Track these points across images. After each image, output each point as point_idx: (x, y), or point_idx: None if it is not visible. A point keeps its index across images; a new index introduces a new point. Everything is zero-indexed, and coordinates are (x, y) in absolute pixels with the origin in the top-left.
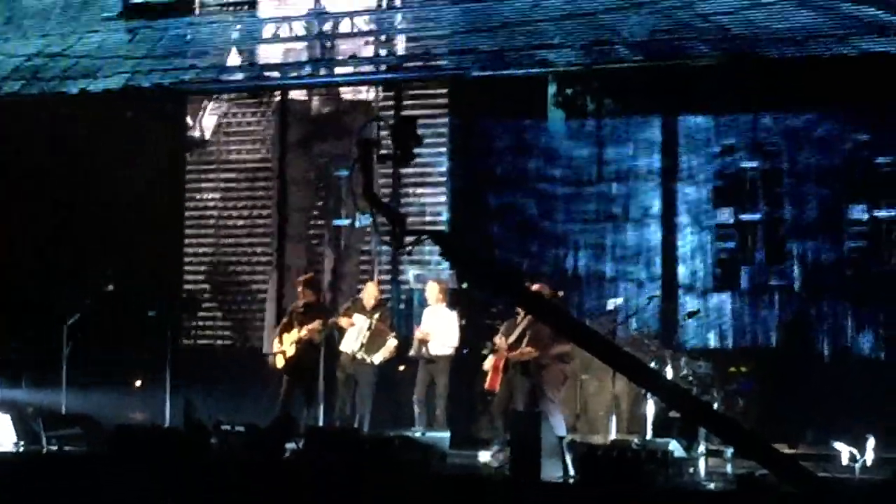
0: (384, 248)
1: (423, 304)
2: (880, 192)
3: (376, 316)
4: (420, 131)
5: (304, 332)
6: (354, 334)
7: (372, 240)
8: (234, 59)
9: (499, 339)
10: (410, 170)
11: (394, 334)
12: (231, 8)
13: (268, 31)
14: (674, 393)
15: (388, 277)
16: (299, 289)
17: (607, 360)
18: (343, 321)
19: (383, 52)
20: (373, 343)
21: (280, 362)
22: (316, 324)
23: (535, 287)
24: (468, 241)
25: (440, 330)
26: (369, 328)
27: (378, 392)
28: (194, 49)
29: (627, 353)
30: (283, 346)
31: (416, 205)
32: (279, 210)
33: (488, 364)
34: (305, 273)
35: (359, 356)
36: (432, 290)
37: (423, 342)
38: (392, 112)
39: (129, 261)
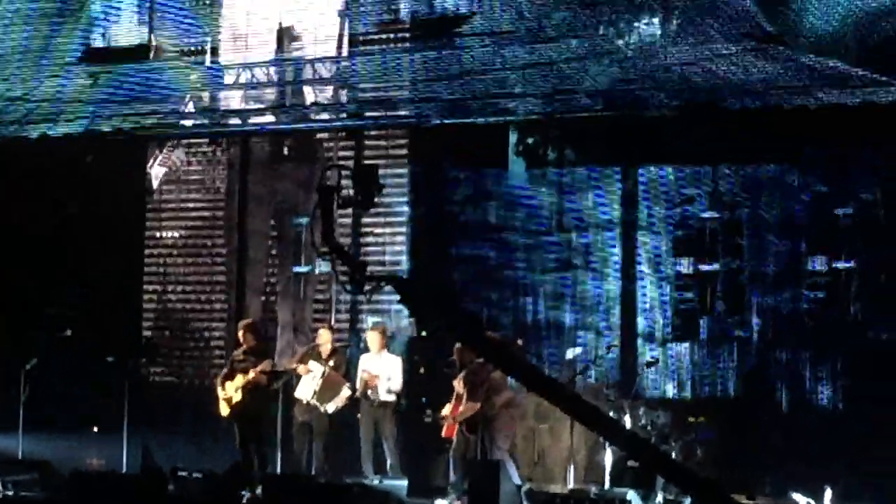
0: (343, 295)
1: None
2: (839, 243)
3: (331, 363)
4: (381, 178)
5: (251, 375)
6: (309, 381)
7: (331, 287)
8: (191, 106)
9: (457, 384)
10: (371, 217)
11: (348, 384)
12: (191, 55)
13: (229, 77)
14: (632, 442)
15: (346, 325)
16: (240, 334)
17: (566, 409)
18: (300, 368)
19: (344, 100)
20: (326, 391)
21: (224, 410)
22: (264, 365)
23: (494, 336)
24: (428, 288)
25: (382, 375)
26: (323, 375)
27: (334, 439)
28: (155, 94)
29: (586, 401)
30: (227, 393)
31: (376, 252)
32: (237, 258)
33: (446, 411)
34: (250, 319)
35: (312, 403)
36: (373, 338)
37: (368, 385)
38: (353, 159)
39: (88, 306)
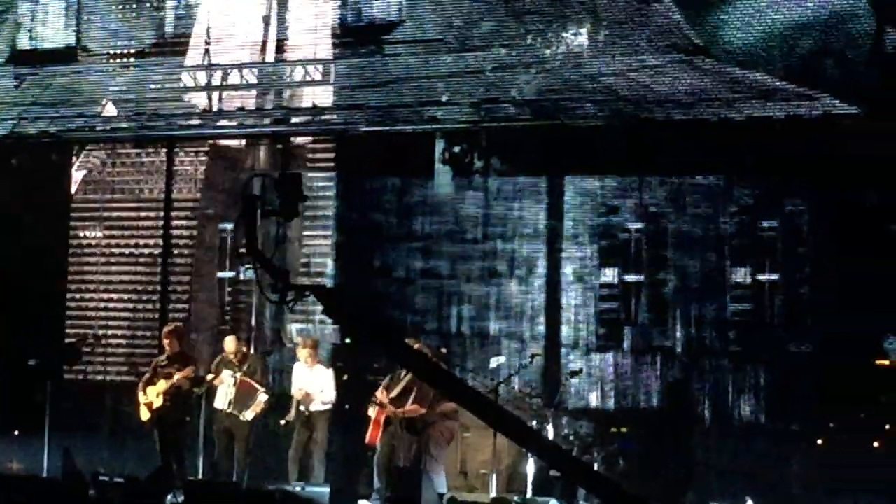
0: (267, 302)
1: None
2: (763, 255)
3: (243, 369)
4: (307, 185)
5: (174, 380)
6: (223, 391)
7: (255, 294)
8: (111, 109)
9: (380, 394)
10: (296, 224)
11: (263, 389)
12: (118, 58)
13: (155, 80)
14: (553, 453)
15: (269, 333)
16: (164, 340)
17: (487, 420)
18: (214, 379)
19: (270, 106)
20: (241, 399)
21: (145, 415)
22: (188, 370)
23: (417, 345)
24: (353, 297)
25: (315, 388)
26: (235, 384)
27: (256, 445)
28: (81, 97)
29: (507, 412)
30: (148, 399)
31: (301, 259)
32: (162, 263)
33: (371, 413)
34: (173, 325)
35: (228, 412)
36: (305, 352)
37: (303, 402)
38: (279, 166)
39: (10, 308)
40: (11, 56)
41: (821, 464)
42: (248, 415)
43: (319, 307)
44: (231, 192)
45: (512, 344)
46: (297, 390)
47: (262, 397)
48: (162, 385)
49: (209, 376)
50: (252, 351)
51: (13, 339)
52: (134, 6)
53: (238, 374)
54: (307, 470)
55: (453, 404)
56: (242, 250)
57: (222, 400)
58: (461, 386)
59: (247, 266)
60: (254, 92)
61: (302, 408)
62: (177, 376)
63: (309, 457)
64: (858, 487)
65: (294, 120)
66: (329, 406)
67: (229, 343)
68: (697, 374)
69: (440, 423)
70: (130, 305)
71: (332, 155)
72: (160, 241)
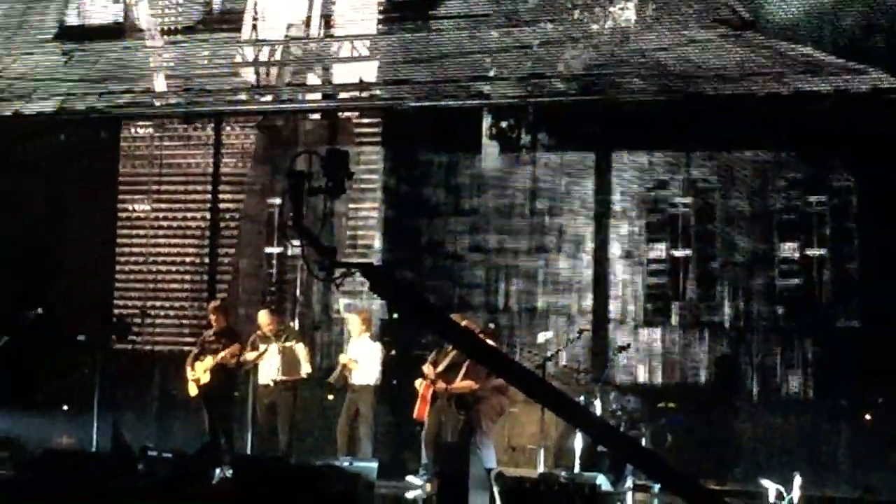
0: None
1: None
2: (811, 230)
3: (283, 339)
4: (354, 161)
5: (219, 357)
6: (267, 363)
7: (302, 269)
8: (161, 83)
9: (427, 368)
10: (344, 199)
11: (305, 358)
12: (167, 34)
13: (204, 56)
14: (600, 428)
15: (317, 308)
16: (211, 316)
17: (534, 395)
18: (250, 355)
19: (318, 82)
20: (288, 364)
21: (193, 391)
22: (234, 347)
23: (463, 321)
24: (399, 273)
25: (364, 361)
26: (280, 352)
27: (302, 421)
28: (129, 73)
29: (554, 387)
30: (195, 374)
31: (348, 235)
32: (210, 238)
33: (419, 386)
34: (219, 300)
35: (279, 380)
36: (354, 323)
37: (347, 368)
38: (326, 141)
39: (60, 284)
40: (60, 32)
41: (868, 439)
42: (304, 371)
43: (367, 283)
44: (278, 168)
45: (560, 319)
46: (340, 360)
47: (306, 367)
48: (209, 361)
49: (247, 354)
50: (297, 326)
51: (62, 314)
52: None
53: (281, 343)
54: (354, 444)
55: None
56: (289, 226)
57: (267, 373)
58: (507, 362)
59: (294, 243)
60: (301, 67)
61: (347, 375)
62: (222, 353)
63: (355, 431)
64: None
65: (341, 95)
66: (375, 380)
67: (263, 317)
68: (745, 349)
69: (492, 397)
70: (178, 278)
71: (379, 130)
72: (207, 215)
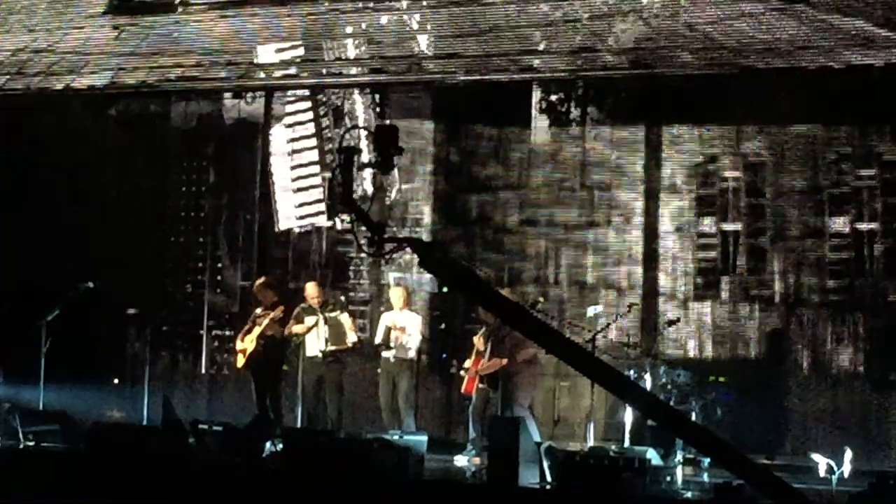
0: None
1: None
2: (862, 204)
3: (328, 310)
4: (404, 135)
5: (264, 324)
6: (315, 336)
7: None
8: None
9: (477, 341)
10: (395, 173)
11: (352, 328)
12: (217, 7)
13: (254, 30)
14: (649, 402)
15: (368, 281)
16: (258, 293)
17: (582, 370)
18: (297, 328)
19: (368, 56)
20: (335, 334)
21: (240, 361)
22: (277, 311)
23: (513, 295)
24: (449, 247)
25: (405, 336)
26: (326, 322)
27: (350, 394)
28: (180, 47)
29: (603, 362)
30: (242, 345)
31: (398, 208)
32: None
33: (467, 366)
34: (264, 278)
35: (327, 351)
36: (396, 296)
37: (392, 332)
38: (376, 115)
39: (111, 258)
40: (110, 6)
41: None
42: (350, 340)
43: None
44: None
45: (610, 293)
46: (385, 325)
47: (352, 337)
48: (256, 331)
49: (294, 326)
50: (344, 298)
51: (113, 287)
52: None
53: (325, 314)
54: (397, 418)
55: (532, 351)
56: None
57: (315, 344)
58: (557, 336)
59: (344, 219)
60: (352, 41)
61: (391, 343)
62: (266, 320)
63: (395, 405)
64: None
65: (391, 69)
66: (413, 353)
67: (311, 288)
68: (796, 323)
69: (523, 371)
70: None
71: (429, 104)
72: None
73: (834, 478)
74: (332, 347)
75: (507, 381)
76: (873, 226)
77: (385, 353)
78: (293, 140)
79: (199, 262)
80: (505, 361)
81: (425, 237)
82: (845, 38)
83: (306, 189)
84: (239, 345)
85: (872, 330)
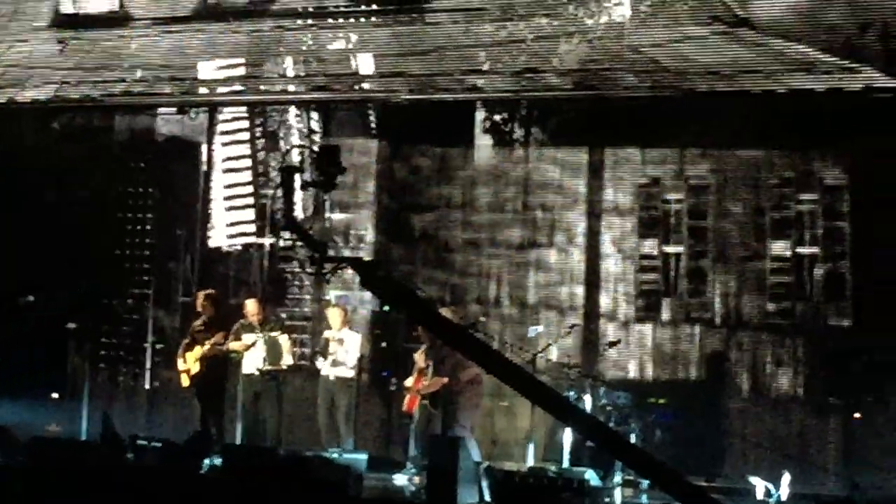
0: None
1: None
2: (804, 228)
3: (268, 328)
4: (348, 153)
5: (206, 347)
6: (253, 353)
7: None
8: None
9: (419, 359)
10: (338, 191)
11: (288, 349)
12: (162, 23)
13: (199, 47)
14: (588, 424)
15: (308, 297)
16: (199, 304)
17: (522, 391)
18: (235, 345)
19: (313, 73)
20: (273, 354)
21: (185, 381)
22: (218, 336)
23: (451, 316)
24: (392, 266)
25: (340, 350)
26: (265, 341)
27: (290, 412)
28: (124, 62)
29: (542, 382)
30: (186, 365)
31: (340, 227)
32: (200, 226)
33: (409, 384)
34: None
35: (264, 370)
36: (335, 315)
37: (331, 341)
38: (319, 134)
39: (52, 272)
40: (55, 20)
41: (859, 437)
42: (286, 362)
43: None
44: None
45: (551, 313)
46: (328, 333)
47: (288, 359)
48: (198, 351)
49: (231, 343)
50: (285, 317)
51: (53, 301)
52: None
53: (265, 333)
54: (335, 436)
55: (475, 371)
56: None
57: (252, 362)
58: (497, 357)
59: (285, 236)
60: (295, 58)
61: (320, 361)
62: (208, 343)
63: (334, 423)
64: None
65: (335, 87)
66: (352, 370)
67: (251, 306)
68: (736, 345)
69: (466, 391)
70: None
71: (373, 123)
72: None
73: (772, 501)
74: (269, 367)
75: (450, 400)
76: (815, 250)
77: (323, 371)
78: (228, 158)
79: (140, 276)
80: (447, 380)
81: (368, 256)
82: (789, 62)
83: (239, 208)
84: (182, 365)
85: (812, 353)
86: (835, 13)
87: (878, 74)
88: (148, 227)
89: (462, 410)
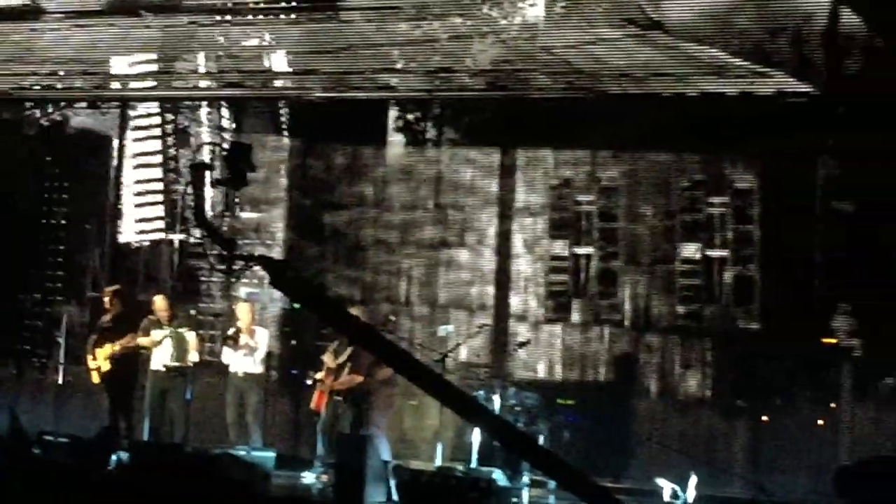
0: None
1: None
2: (713, 231)
3: (176, 324)
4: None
5: (116, 346)
6: (161, 349)
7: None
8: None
9: (327, 357)
10: (249, 188)
11: (195, 345)
12: (74, 17)
13: (112, 41)
14: (496, 424)
15: (218, 294)
16: (107, 301)
17: (430, 390)
18: (143, 341)
19: (226, 70)
20: (179, 350)
21: (95, 378)
22: (128, 337)
23: (362, 314)
24: (302, 264)
25: (250, 348)
26: (171, 336)
27: (198, 409)
28: (35, 56)
29: (449, 382)
30: (96, 362)
31: (252, 224)
32: (111, 219)
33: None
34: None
35: (171, 366)
36: (244, 311)
37: (241, 333)
38: (231, 131)
39: None
40: None
41: (766, 441)
42: (191, 359)
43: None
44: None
45: (461, 313)
46: (232, 331)
47: (194, 356)
48: (107, 349)
49: (140, 338)
50: (194, 313)
51: None
52: None
53: (172, 328)
54: (244, 433)
55: (391, 371)
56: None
57: (160, 358)
58: (405, 356)
59: (195, 233)
60: (208, 55)
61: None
62: (118, 343)
63: (243, 420)
64: (802, 465)
65: (248, 84)
66: (260, 367)
67: (159, 301)
68: (645, 347)
69: (380, 390)
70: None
71: (286, 120)
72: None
73: (678, 503)
74: (175, 363)
75: (364, 399)
76: (724, 253)
77: (231, 367)
78: (140, 154)
79: (49, 270)
80: (361, 379)
81: (279, 253)
82: (701, 66)
83: (150, 204)
84: (92, 363)
85: (721, 356)
86: (747, 18)
87: (789, 79)
88: (58, 221)
89: (375, 409)
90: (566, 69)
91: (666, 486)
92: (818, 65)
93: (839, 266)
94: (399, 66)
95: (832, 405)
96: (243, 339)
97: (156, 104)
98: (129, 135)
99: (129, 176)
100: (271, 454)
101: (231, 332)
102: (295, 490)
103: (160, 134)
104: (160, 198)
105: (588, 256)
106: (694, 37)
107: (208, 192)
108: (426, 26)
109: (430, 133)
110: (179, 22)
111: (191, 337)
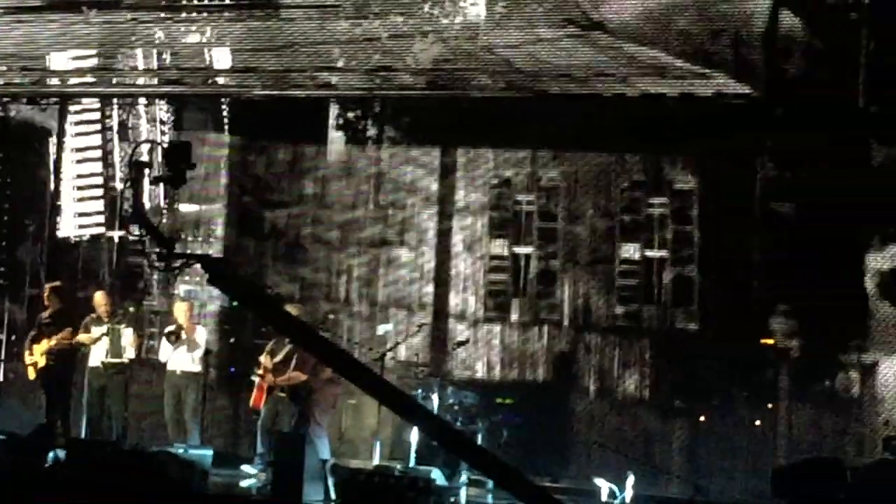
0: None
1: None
2: (653, 231)
3: (115, 321)
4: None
5: (53, 341)
6: (99, 345)
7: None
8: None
9: (264, 358)
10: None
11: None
12: (13, 12)
13: (49, 36)
14: (434, 423)
15: (157, 292)
16: (46, 297)
17: (368, 389)
18: (83, 337)
19: (166, 66)
20: (116, 347)
21: (32, 374)
22: (65, 333)
23: (297, 312)
24: (242, 261)
25: (187, 346)
26: (108, 334)
27: (136, 407)
28: None
29: (386, 381)
30: (33, 357)
31: (191, 221)
32: (49, 217)
33: (255, 378)
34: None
35: (109, 362)
36: (181, 309)
37: (182, 330)
38: (171, 128)
39: None
40: None
41: (701, 440)
42: (128, 355)
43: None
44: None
45: (400, 312)
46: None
47: (131, 353)
48: (45, 344)
49: (81, 335)
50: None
51: None
52: None
53: (111, 325)
54: (182, 431)
55: None
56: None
57: (96, 355)
58: (343, 354)
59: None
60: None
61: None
62: (55, 338)
63: (181, 418)
64: (739, 465)
65: (188, 81)
66: (198, 365)
67: (99, 298)
68: (584, 347)
69: (325, 388)
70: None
71: (226, 117)
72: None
73: (616, 502)
74: (111, 360)
75: (307, 397)
76: (663, 253)
77: (169, 365)
78: (79, 149)
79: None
80: (305, 377)
81: (219, 250)
82: (641, 66)
83: (88, 199)
84: (29, 358)
85: (659, 356)
86: (687, 19)
87: (728, 80)
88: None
89: (318, 407)
90: (507, 69)
91: (603, 486)
92: (757, 67)
93: (778, 267)
94: (340, 64)
95: (770, 406)
96: (182, 336)
97: (95, 100)
98: (69, 130)
99: (68, 171)
100: (209, 452)
101: (171, 328)
102: (232, 488)
103: (100, 129)
104: (100, 193)
105: (528, 256)
106: (634, 38)
107: (147, 188)
108: (367, 25)
109: (371, 132)
110: (120, 18)
111: (128, 333)
